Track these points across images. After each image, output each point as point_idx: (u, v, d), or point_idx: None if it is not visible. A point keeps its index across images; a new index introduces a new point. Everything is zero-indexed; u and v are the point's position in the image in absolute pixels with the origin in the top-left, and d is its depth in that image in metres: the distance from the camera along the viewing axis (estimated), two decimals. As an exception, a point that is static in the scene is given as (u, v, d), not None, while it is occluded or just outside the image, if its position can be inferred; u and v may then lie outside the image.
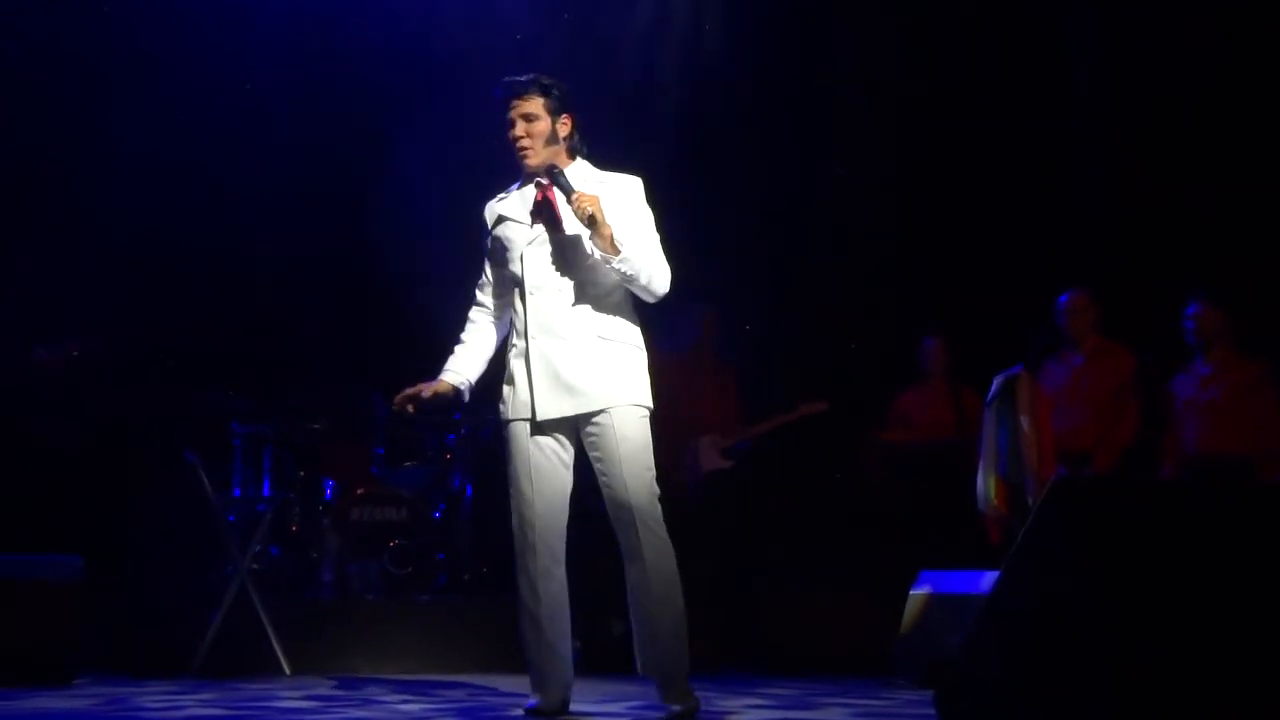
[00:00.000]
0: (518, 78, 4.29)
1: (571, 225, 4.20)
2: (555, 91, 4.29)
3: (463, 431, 7.44)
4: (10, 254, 7.14)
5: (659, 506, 4.19)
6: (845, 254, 8.39)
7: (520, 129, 4.26)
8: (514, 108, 4.26)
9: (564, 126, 4.31)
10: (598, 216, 4.09)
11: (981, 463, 6.18)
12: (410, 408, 4.41)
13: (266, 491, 7.08)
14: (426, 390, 4.40)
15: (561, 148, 4.32)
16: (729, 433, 7.48)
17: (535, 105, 4.25)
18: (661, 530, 4.17)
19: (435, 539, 7.15)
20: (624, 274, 4.15)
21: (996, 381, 6.20)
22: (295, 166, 8.11)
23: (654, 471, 4.22)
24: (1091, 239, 8.05)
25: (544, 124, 4.26)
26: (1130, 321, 7.14)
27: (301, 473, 7.33)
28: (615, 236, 4.12)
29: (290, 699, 4.89)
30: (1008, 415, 6.09)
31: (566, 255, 4.22)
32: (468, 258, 7.94)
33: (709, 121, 8.24)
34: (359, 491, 7.14)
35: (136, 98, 7.67)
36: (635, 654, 4.23)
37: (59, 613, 5.42)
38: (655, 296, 4.24)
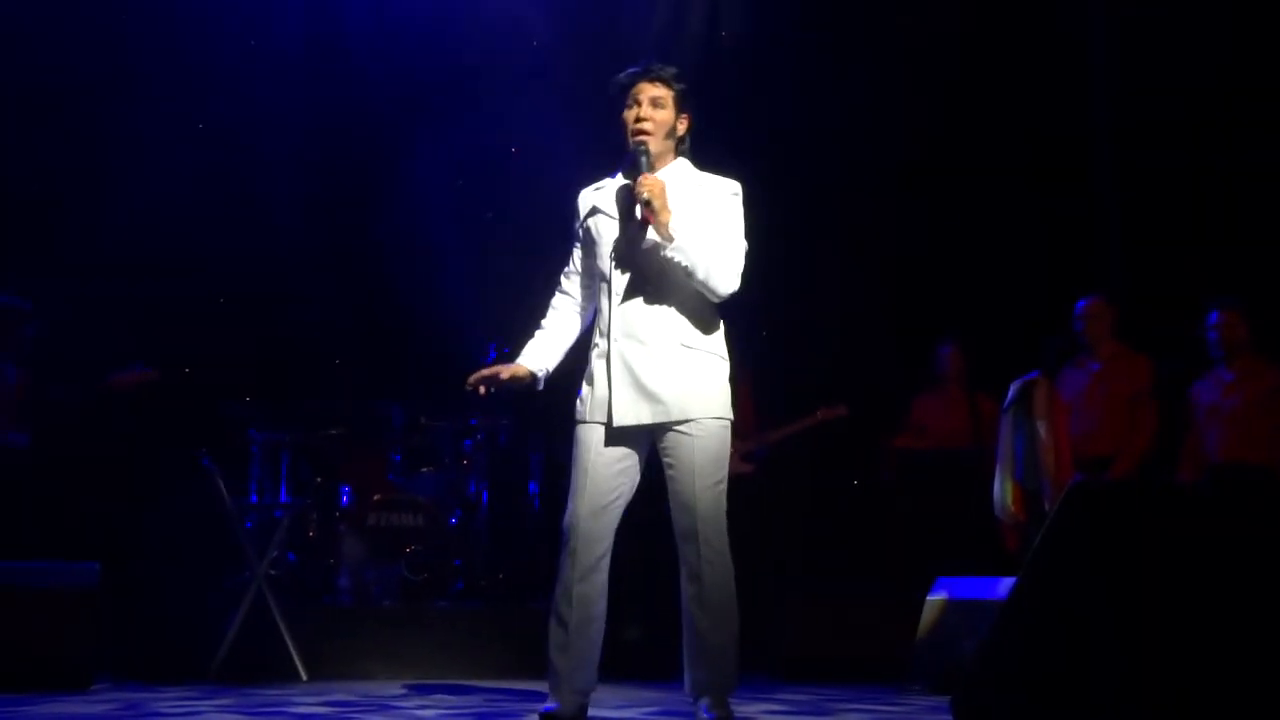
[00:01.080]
0: (655, 61, 4.25)
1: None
2: (683, 87, 4.27)
3: (479, 438, 7.46)
4: (30, 267, 7.19)
5: (725, 522, 4.13)
6: (861, 259, 8.39)
7: (646, 110, 4.20)
8: (644, 90, 4.21)
9: (682, 124, 4.28)
10: (655, 203, 4.06)
11: (998, 469, 6.17)
12: (483, 389, 4.27)
13: (284, 498, 7.10)
14: (505, 372, 4.28)
15: (673, 144, 4.28)
16: (747, 437, 7.47)
17: (665, 94, 4.22)
18: (724, 547, 4.11)
19: (452, 545, 7.17)
20: (678, 265, 4.07)
21: (1013, 387, 6.19)
22: (312, 180, 8.15)
23: (725, 486, 4.17)
24: (1109, 244, 8.04)
25: (668, 114, 4.23)
26: (1149, 328, 7.12)
27: (318, 479, 7.35)
28: (671, 225, 4.08)
29: (307, 704, 4.90)
30: (1024, 421, 6.08)
31: (655, 259, 4.14)
32: (478, 268, 8.02)
33: (724, 124, 8.24)
34: (376, 498, 7.16)
35: (163, 115, 7.73)
36: (684, 671, 4.18)
37: (76, 619, 5.44)
38: (717, 295, 4.14)
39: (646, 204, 4.07)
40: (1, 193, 7.62)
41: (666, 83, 4.24)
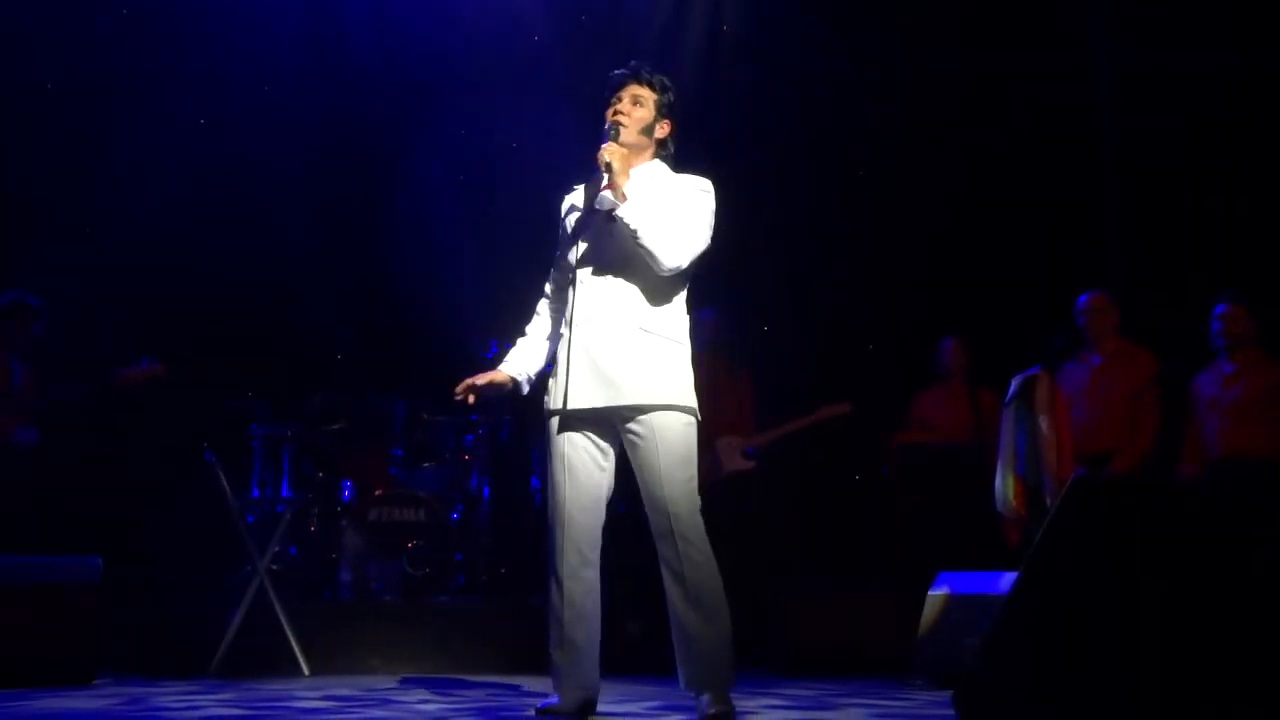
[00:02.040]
0: (643, 65, 4.34)
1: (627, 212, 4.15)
2: (669, 95, 4.36)
3: (480, 432, 7.46)
4: (34, 265, 7.20)
5: (700, 518, 4.13)
6: (864, 255, 8.39)
7: (625, 105, 4.29)
8: (628, 89, 4.31)
9: (662, 129, 4.36)
10: (615, 165, 4.13)
11: (1000, 464, 6.17)
12: (471, 397, 4.36)
13: (285, 492, 7.11)
14: (481, 379, 4.36)
15: (651, 144, 4.34)
16: (750, 434, 7.47)
17: (648, 95, 4.32)
18: (702, 543, 4.11)
19: (453, 540, 7.17)
20: (627, 226, 4.10)
21: (1015, 382, 6.19)
22: (314, 176, 8.17)
23: (696, 481, 4.17)
24: (1111, 239, 8.03)
25: (647, 113, 4.31)
26: (1150, 323, 7.12)
27: (320, 474, 7.35)
28: (626, 188, 4.13)
29: (308, 699, 4.90)
30: (1026, 416, 6.08)
31: (618, 244, 4.18)
32: (480, 263, 8.02)
33: (727, 123, 8.26)
34: (377, 492, 7.16)
35: (166, 111, 7.73)
36: (677, 667, 4.18)
37: (79, 613, 5.44)
38: (661, 267, 4.14)
39: (607, 166, 4.13)
40: (7, 191, 7.63)
41: (652, 86, 4.33)
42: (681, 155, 4.44)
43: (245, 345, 7.81)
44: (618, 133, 4.23)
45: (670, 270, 4.17)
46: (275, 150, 7.92)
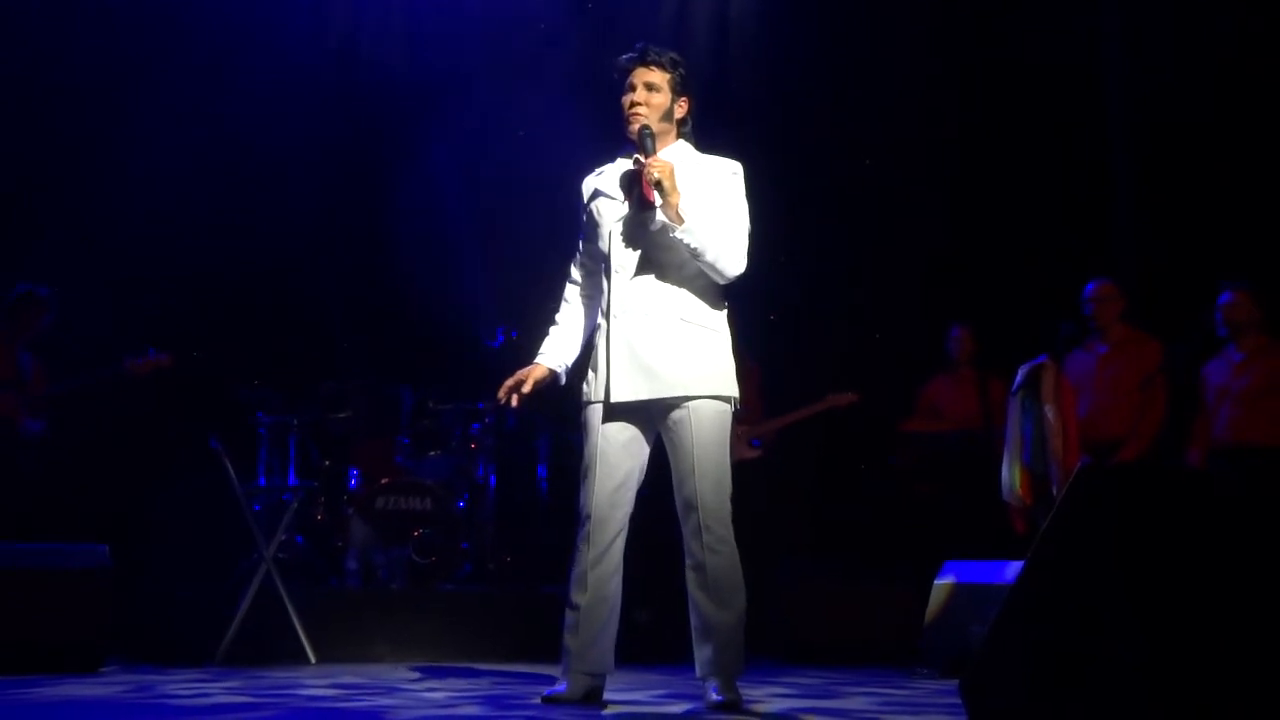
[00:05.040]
0: (651, 46, 4.26)
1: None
2: (681, 71, 4.27)
3: (487, 421, 7.46)
4: (41, 255, 7.21)
5: (728, 506, 4.12)
6: (872, 243, 8.37)
7: (640, 94, 4.21)
8: (639, 75, 4.23)
9: (680, 108, 4.29)
10: (665, 184, 4.06)
11: (1006, 452, 6.16)
12: (515, 400, 4.30)
13: (292, 480, 7.12)
14: (528, 384, 4.29)
15: (672, 127, 4.28)
16: (757, 424, 7.47)
17: (660, 78, 4.23)
18: (726, 531, 4.10)
19: (459, 528, 7.18)
20: (687, 246, 4.07)
21: (1021, 371, 6.18)
22: (322, 163, 8.16)
23: (729, 472, 4.15)
24: (1119, 227, 8.01)
25: (664, 97, 4.23)
26: (1158, 311, 7.10)
27: (327, 462, 7.37)
28: (681, 207, 4.07)
29: (315, 687, 4.90)
30: (1033, 404, 6.07)
31: (654, 236, 4.14)
32: (487, 251, 8.02)
33: (735, 111, 8.24)
34: (384, 481, 7.17)
35: (173, 101, 7.73)
36: (694, 655, 4.17)
37: (86, 601, 5.44)
38: (724, 277, 4.14)
39: (657, 185, 4.06)
40: (16, 183, 7.63)
41: (662, 67, 4.24)
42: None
43: (252, 334, 7.81)
44: (652, 136, 4.16)
45: (732, 278, 4.17)
46: (283, 140, 7.91)
